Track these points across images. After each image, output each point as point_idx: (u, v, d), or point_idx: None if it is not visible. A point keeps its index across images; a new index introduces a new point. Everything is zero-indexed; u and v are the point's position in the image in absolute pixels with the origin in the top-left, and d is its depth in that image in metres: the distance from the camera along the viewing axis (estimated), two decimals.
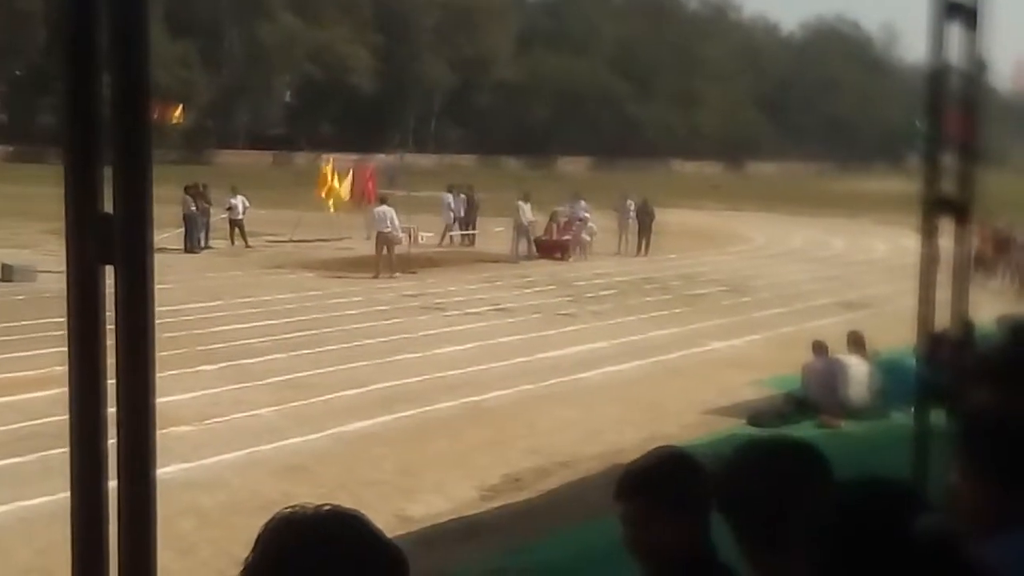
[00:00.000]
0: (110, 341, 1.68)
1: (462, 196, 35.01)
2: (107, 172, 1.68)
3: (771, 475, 2.46)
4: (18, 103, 78.29)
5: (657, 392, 14.60)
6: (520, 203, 31.25)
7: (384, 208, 26.81)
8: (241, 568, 1.53)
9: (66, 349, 1.72)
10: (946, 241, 3.02)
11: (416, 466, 10.94)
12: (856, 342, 13.77)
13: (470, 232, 34.21)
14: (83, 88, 1.65)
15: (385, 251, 25.74)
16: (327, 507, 1.56)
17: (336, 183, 31.99)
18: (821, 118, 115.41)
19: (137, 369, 1.64)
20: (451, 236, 33.62)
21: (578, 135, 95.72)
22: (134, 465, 1.68)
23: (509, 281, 25.45)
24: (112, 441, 1.71)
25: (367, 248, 27.39)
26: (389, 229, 26.06)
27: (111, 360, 1.69)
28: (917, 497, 1.88)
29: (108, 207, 1.65)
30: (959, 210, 3.08)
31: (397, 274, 25.15)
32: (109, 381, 1.70)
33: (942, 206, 3.08)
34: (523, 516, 9.68)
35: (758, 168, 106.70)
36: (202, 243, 29.22)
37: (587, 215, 32.60)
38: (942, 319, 3.32)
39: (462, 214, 34.56)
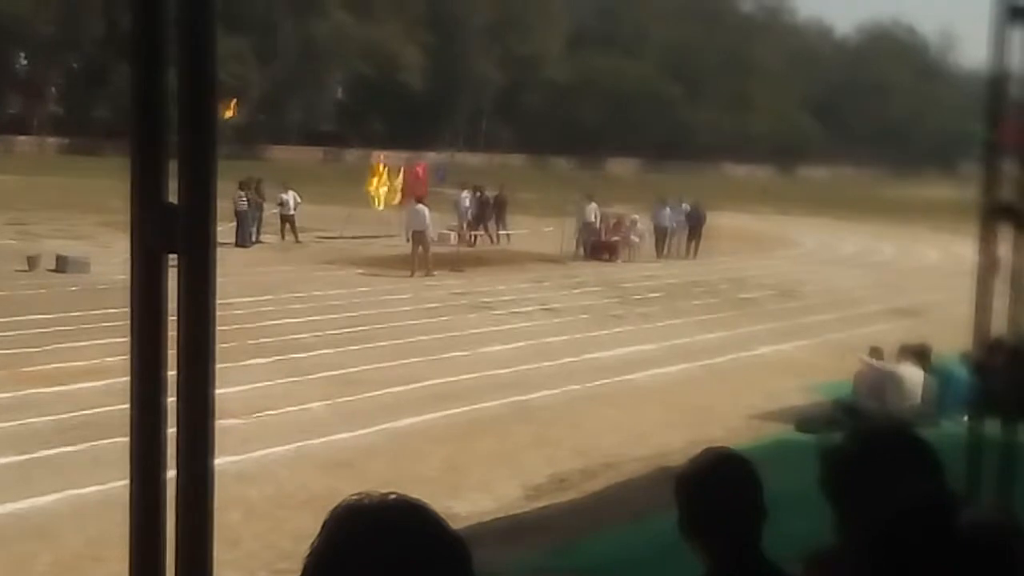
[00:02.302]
0: (172, 332, 1.70)
1: (476, 195, 34.34)
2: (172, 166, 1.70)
3: (898, 465, 2.44)
4: (74, 96, 79.19)
5: (704, 395, 14.54)
6: (584, 204, 31.51)
7: (419, 207, 26.79)
8: (306, 554, 1.54)
9: (125, 337, 1.74)
10: (1003, 248, 2.99)
11: (463, 464, 10.96)
12: (919, 354, 13.57)
13: (480, 232, 33.55)
14: (150, 80, 1.67)
15: (420, 250, 25.75)
16: (393, 496, 1.57)
17: (387, 180, 32.12)
18: (874, 123, 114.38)
19: (198, 358, 1.66)
20: (473, 235, 33.20)
21: (628, 137, 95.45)
22: (193, 455, 1.70)
23: (557, 281, 25.44)
24: (171, 430, 1.73)
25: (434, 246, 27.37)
26: (423, 228, 26.02)
27: (171, 351, 1.71)
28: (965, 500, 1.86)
29: (173, 199, 1.68)
30: (1018, 217, 3.05)
31: (435, 272, 25.11)
32: (170, 372, 1.72)
33: (1001, 213, 3.05)
34: (568, 516, 9.67)
35: (809, 173, 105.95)
36: (253, 238, 29.42)
37: (637, 217, 32.53)
38: (998, 327, 3.28)
39: (474, 213, 33.90)
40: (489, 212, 34.32)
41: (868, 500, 2.34)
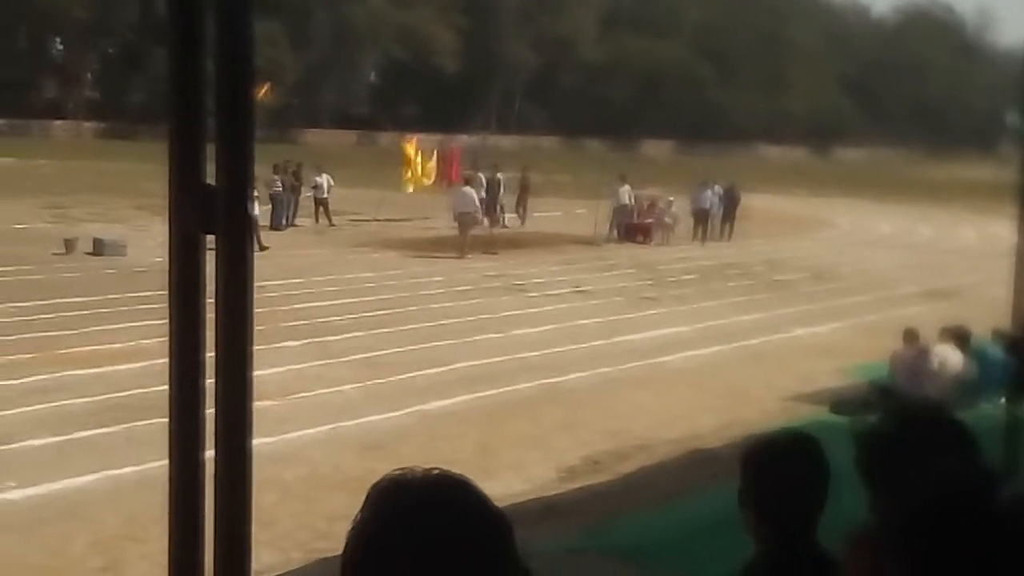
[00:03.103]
0: (209, 314, 1.72)
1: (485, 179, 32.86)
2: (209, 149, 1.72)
3: (936, 447, 2.44)
4: (110, 81, 79.69)
5: (738, 377, 14.50)
6: (617, 185, 31.40)
7: (466, 189, 27.00)
8: (349, 527, 1.55)
9: (162, 319, 1.76)
10: None
11: (495, 446, 10.99)
12: (958, 336, 13.48)
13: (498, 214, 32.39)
14: (187, 64, 1.68)
15: (469, 231, 25.93)
16: (436, 471, 1.58)
17: (420, 163, 32.15)
18: (910, 103, 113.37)
19: (236, 339, 1.68)
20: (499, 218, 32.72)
21: (661, 118, 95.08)
22: (231, 435, 1.71)
23: (590, 263, 25.41)
24: (210, 411, 1.75)
25: (449, 228, 27.54)
26: (471, 210, 26.22)
27: (209, 332, 1.73)
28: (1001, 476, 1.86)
29: (211, 180, 1.69)
30: None
31: (483, 255, 25.26)
32: (208, 353, 1.74)
33: None
34: (601, 498, 9.68)
35: (845, 153, 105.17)
36: (287, 221, 29.52)
37: (671, 199, 32.36)
38: None
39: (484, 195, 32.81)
40: (502, 196, 32.93)
41: (905, 481, 2.34)
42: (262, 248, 24.62)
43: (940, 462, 2.30)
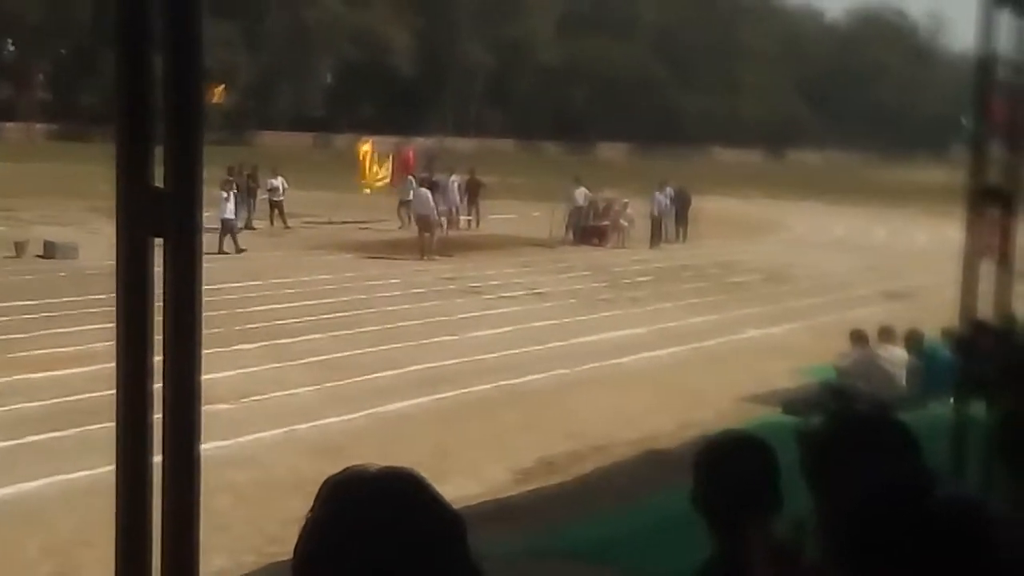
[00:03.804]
0: (158, 317, 1.70)
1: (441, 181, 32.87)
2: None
3: (873, 448, 2.46)
4: (61, 82, 78.92)
5: (693, 379, 14.57)
6: (573, 188, 31.46)
7: (423, 191, 26.98)
8: (301, 526, 1.54)
9: (112, 323, 1.74)
10: (991, 232, 2.99)
11: (451, 447, 10.98)
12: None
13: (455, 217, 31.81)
14: (136, 66, 1.67)
15: (427, 234, 25.90)
16: (386, 467, 1.58)
17: (375, 166, 32.10)
18: (864, 107, 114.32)
19: (184, 343, 1.67)
20: (467, 220, 32.77)
21: (618, 121, 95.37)
22: (179, 440, 1.70)
23: (546, 266, 25.45)
24: (158, 416, 1.73)
25: (404, 231, 27.48)
26: (427, 212, 26.20)
27: (157, 337, 1.71)
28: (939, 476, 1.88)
29: (159, 183, 1.68)
30: (1005, 200, 3.06)
31: (436, 257, 25.27)
32: (156, 358, 1.72)
33: (988, 196, 3.06)
34: (556, 499, 9.70)
35: (800, 157, 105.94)
36: (243, 223, 29.29)
37: (627, 201, 32.42)
38: (984, 310, 3.29)
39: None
40: (458, 199, 32.66)
41: (844, 482, 2.36)
42: (239, 251, 24.50)
43: (878, 463, 2.32)
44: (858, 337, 13.80)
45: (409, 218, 30.75)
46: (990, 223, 3.15)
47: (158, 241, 1.67)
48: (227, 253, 24.15)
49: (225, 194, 25.85)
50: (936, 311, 14.78)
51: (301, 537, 1.52)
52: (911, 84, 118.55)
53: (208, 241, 23.54)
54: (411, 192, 30.92)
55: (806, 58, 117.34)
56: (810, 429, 2.66)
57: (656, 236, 31.31)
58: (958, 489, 1.76)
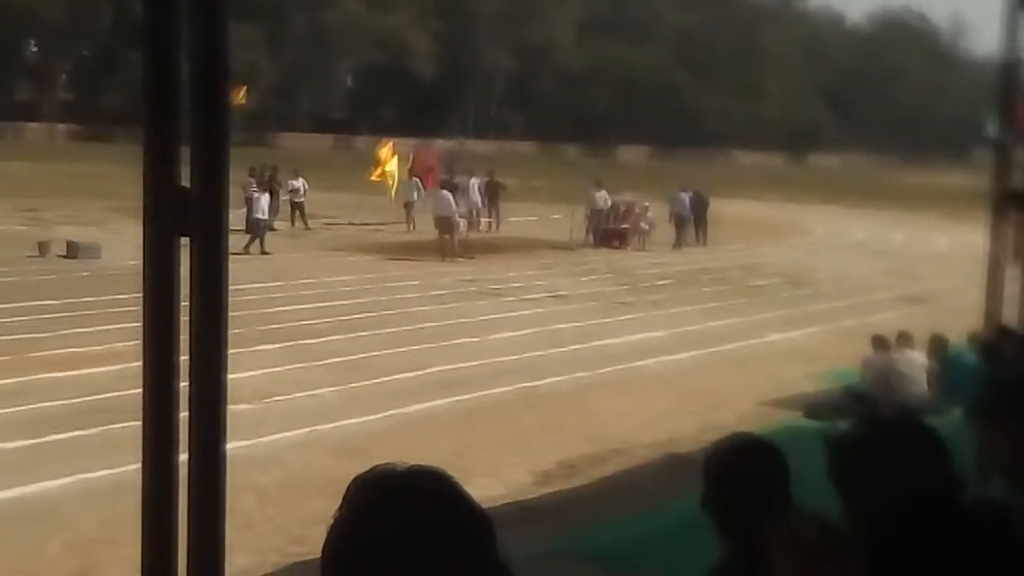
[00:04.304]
0: (183, 317, 1.71)
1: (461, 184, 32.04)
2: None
3: (904, 453, 2.45)
4: (84, 83, 79.37)
5: (713, 382, 14.54)
6: (594, 191, 31.45)
7: (444, 193, 27.03)
8: (330, 522, 1.54)
9: (136, 322, 1.75)
10: (1015, 235, 2.98)
11: (472, 450, 10.98)
12: (904, 340, 13.60)
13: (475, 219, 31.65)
14: (163, 67, 1.68)
15: (447, 236, 25.96)
16: (414, 465, 1.58)
17: (393, 167, 32.21)
18: (885, 111, 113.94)
19: (210, 342, 1.68)
20: (488, 223, 32.87)
21: (638, 124, 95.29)
22: (205, 438, 1.71)
23: (567, 268, 25.43)
24: (183, 414, 1.74)
25: (425, 232, 27.52)
26: (448, 214, 26.26)
27: (183, 336, 1.72)
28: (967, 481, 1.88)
29: (185, 183, 1.69)
30: None
31: (457, 259, 25.31)
32: (182, 357, 1.73)
33: (1012, 200, 3.05)
34: (577, 502, 9.69)
35: (820, 160, 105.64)
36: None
37: (647, 204, 32.37)
38: (1008, 313, 3.28)
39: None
40: (478, 201, 32.46)
41: (875, 487, 2.35)
42: (262, 252, 24.59)
43: (909, 468, 2.32)
44: (880, 342, 13.75)
45: (413, 222, 30.93)
46: (1014, 227, 3.13)
47: (184, 241, 1.68)
48: (251, 254, 24.23)
49: (257, 194, 26.02)
50: (958, 315, 14.73)
51: (330, 535, 1.53)
52: (932, 88, 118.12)
53: (241, 242, 23.75)
54: (415, 194, 31.14)
55: (827, 62, 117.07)
56: (838, 434, 2.65)
57: (680, 238, 31.28)
58: (985, 494, 1.76)
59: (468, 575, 1.51)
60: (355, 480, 1.57)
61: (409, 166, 33.07)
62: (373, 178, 32.34)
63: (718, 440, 3.11)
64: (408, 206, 31.66)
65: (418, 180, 31.88)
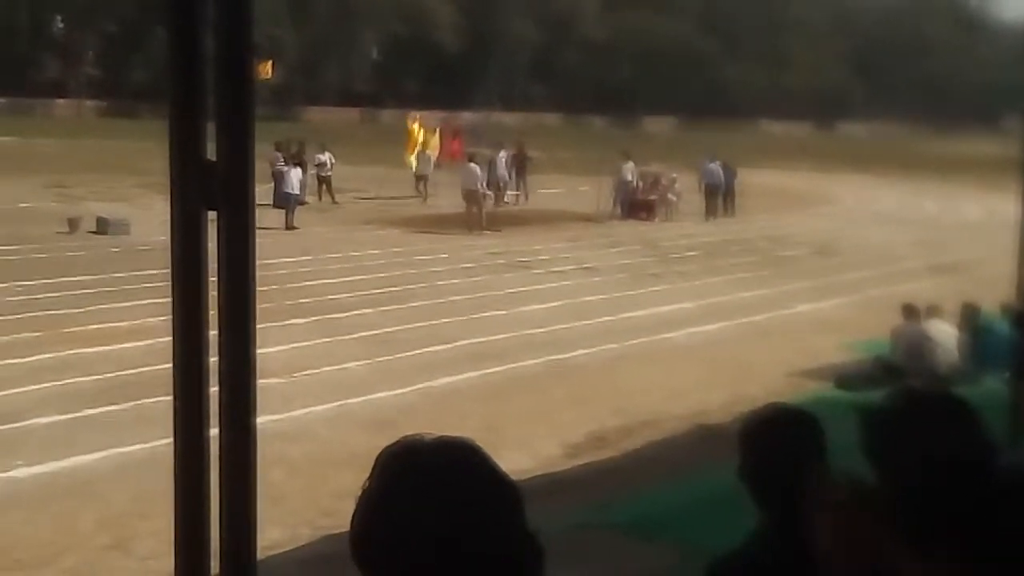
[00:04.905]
0: (212, 292, 1.71)
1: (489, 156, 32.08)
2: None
3: (938, 424, 2.45)
4: (111, 59, 79.55)
5: (742, 353, 14.50)
6: (621, 162, 31.35)
7: (471, 166, 27.01)
8: (359, 493, 1.54)
9: (167, 297, 1.75)
10: None
11: (501, 422, 11.00)
12: (933, 310, 13.51)
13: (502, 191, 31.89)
14: (187, 42, 1.68)
15: (475, 208, 25.97)
16: (442, 436, 1.58)
17: (424, 141, 32.18)
18: (914, 78, 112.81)
19: (239, 316, 1.68)
20: (515, 195, 32.89)
21: (664, 95, 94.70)
22: (235, 413, 1.72)
23: (594, 240, 25.39)
24: (213, 389, 1.75)
25: (452, 206, 27.53)
26: (475, 187, 26.25)
27: (212, 311, 1.72)
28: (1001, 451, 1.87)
29: (212, 158, 1.69)
30: None
31: (485, 231, 25.32)
32: (211, 332, 1.73)
33: None
34: (607, 474, 9.70)
35: (848, 129, 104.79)
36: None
37: (675, 175, 32.24)
38: None
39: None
40: (505, 173, 32.38)
41: (907, 459, 2.34)
42: (289, 227, 24.66)
43: (944, 439, 2.30)
44: (910, 311, 13.67)
45: (426, 194, 30.98)
46: None
47: (212, 216, 1.68)
48: (296, 228, 24.36)
49: (286, 168, 26.12)
50: (989, 285, 14.61)
51: (359, 507, 1.53)
52: (961, 55, 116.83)
53: (268, 217, 23.81)
54: (428, 167, 31.14)
55: (854, 29, 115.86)
56: (871, 407, 2.63)
57: (711, 208, 31.20)
58: (1018, 464, 1.75)
59: (496, 545, 1.50)
60: (384, 451, 1.56)
61: (436, 138, 33.02)
62: (410, 157, 32.17)
63: (754, 410, 3.12)
64: (420, 179, 31.67)
65: (431, 154, 31.83)
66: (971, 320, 13.37)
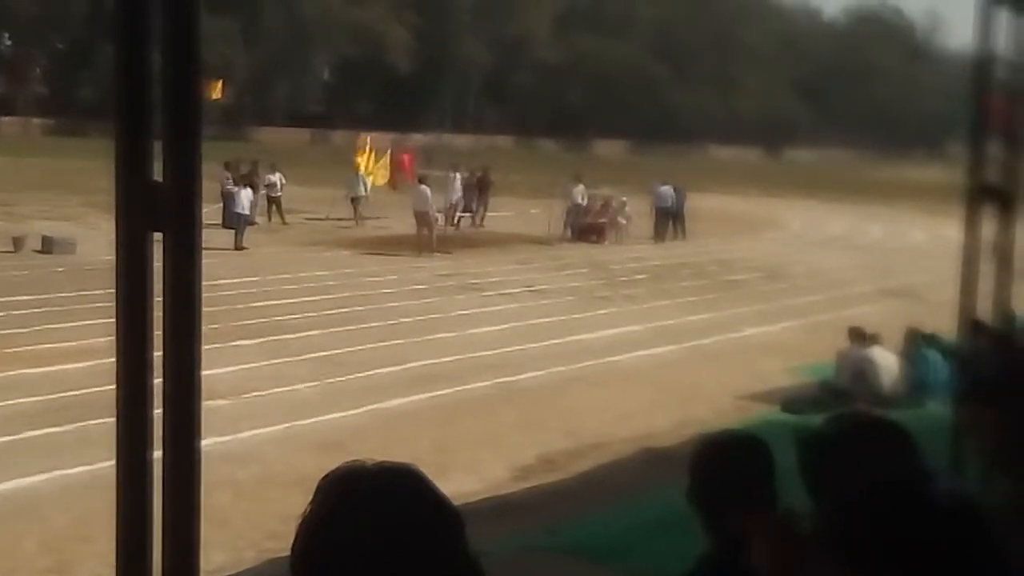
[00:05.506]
0: (157, 313, 1.70)
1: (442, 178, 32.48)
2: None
3: (872, 448, 2.47)
4: (58, 76, 78.80)
5: (690, 376, 14.57)
6: (572, 185, 31.46)
7: (422, 188, 26.98)
8: (299, 519, 1.54)
9: (111, 318, 1.74)
10: (989, 230, 2.99)
11: (450, 444, 10.97)
12: (873, 338, 13.64)
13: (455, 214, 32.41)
14: (134, 60, 1.67)
15: (425, 230, 25.95)
16: (384, 462, 1.58)
17: (372, 163, 32.10)
18: (861, 105, 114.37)
19: (184, 338, 1.66)
20: (459, 217, 32.85)
21: (615, 118, 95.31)
22: (179, 435, 1.70)
23: (544, 263, 25.44)
24: (157, 411, 1.73)
25: (403, 227, 27.49)
26: (426, 209, 26.23)
27: (157, 332, 1.71)
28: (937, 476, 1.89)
29: (158, 178, 1.68)
30: (1003, 199, 3.06)
31: (435, 253, 25.31)
32: (155, 353, 1.72)
33: (986, 194, 3.06)
34: (555, 496, 9.70)
35: (796, 155, 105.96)
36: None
37: (624, 199, 32.42)
38: (983, 309, 3.29)
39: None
40: (458, 196, 32.73)
41: (843, 481, 2.37)
42: (240, 248, 24.53)
43: (877, 463, 2.33)
44: (856, 334, 13.81)
45: (358, 216, 30.83)
46: (988, 221, 3.15)
47: (157, 236, 1.67)
48: (245, 249, 24.25)
49: (236, 188, 26.00)
50: (933, 309, 14.81)
51: (300, 532, 1.52)
52: (908, 82, 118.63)
53: (217, 237, 23.65)
54: (361, 188, 30.94)
55: (803, 56, 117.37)
56: (808, 430, 2.67)
57: (661, 231, 31.38)
58: (955, 488, 1.77)
59: (437, 569, 1.51)
60: (325, 477, 1.56)
61: (386, 161, 32.95)
62: (359, 173, 31.96)
63: (704, 434, 3.13)
64: (355, 201, 31.45)
65: (365, 176, 31.65)
66: (913, 345, 13.52)
